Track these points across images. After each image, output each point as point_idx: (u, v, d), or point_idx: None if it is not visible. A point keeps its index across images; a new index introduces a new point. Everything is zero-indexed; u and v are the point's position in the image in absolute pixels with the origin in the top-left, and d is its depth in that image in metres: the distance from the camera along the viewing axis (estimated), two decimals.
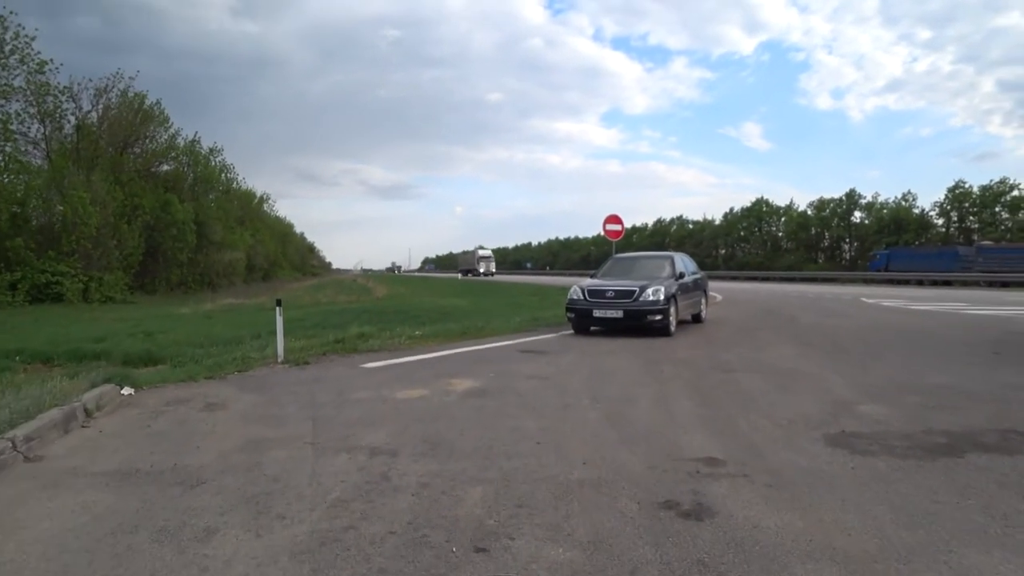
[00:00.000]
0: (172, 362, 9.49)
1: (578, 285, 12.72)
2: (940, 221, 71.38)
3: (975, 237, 64.11)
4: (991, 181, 65.52)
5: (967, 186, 67.71)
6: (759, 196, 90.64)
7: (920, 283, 48.20)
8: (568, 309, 12.45)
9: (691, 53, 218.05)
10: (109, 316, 26.35)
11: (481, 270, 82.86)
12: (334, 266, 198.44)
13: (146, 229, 41.98)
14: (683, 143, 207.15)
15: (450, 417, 5.61)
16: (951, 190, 68.86)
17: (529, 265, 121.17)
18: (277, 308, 9.31)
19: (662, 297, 11.85)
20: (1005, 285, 42.15)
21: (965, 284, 45.10)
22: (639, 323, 11.86)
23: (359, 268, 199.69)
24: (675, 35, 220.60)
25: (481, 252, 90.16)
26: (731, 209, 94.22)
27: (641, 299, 11.78)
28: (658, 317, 11.74)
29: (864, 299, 24.65)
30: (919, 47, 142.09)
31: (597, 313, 11.95)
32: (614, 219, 24.10)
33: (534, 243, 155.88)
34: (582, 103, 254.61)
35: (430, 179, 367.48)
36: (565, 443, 4.77)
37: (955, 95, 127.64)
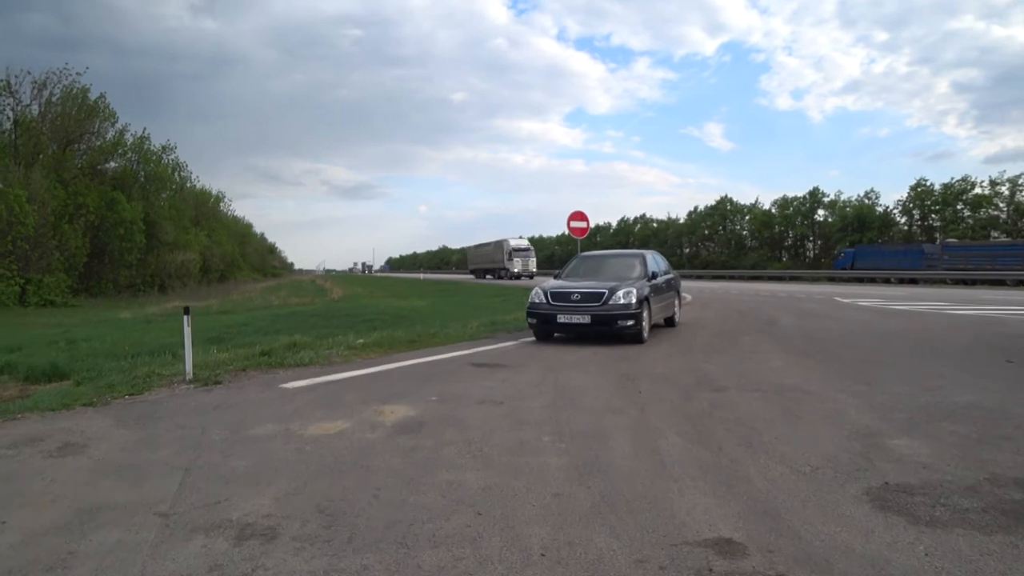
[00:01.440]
0: (76, 378, 8.12)
1: (540, 287, 11.41)
2: (903, 219, 71.74)
3: (937, 235, 64.52)
4: (952, 179, 65.98)
5: (929, 184, 68.10)
6: (723, 195, 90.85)
7: (887, 281, 48.00)
8: (529, 314, 11.12)
9: (654, 54, 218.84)
10: (40, 321, 24.48)
11: (516, 269, 57.30)
12: (296, 267, 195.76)
13: (91, 229, 39.83)
14: (646, 143, 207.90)
15: (367, 468, 4.21)
16: (913, 188, 69.24)
17: (469, 266, 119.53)
18: (185, 318, 7.83)
19: (634, 300, 10.60)
20: (971, 283, 42.00)
21: (931, 282, 44.87)
22: (608, 329, 10.59)
23: (321, 269, 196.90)
24: (638, 36, 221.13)
25: (515, 243, 60.97)
26: (695, 208, 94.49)
27: (611, 303, 10.50)
28: (630, 323, 10.48)
29: (838, 298, 23.77)
30: (876, 49, 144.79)
31: (562, 319, 10.63)
32: (579, 216, 22.91)
33: (471, 247, 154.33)
34: (546, 103, 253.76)
35: (394, 179, 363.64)
36: (516, 514, 3.41)
37: (911, 96, 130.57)
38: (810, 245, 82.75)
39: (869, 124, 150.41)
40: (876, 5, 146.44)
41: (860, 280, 49.83)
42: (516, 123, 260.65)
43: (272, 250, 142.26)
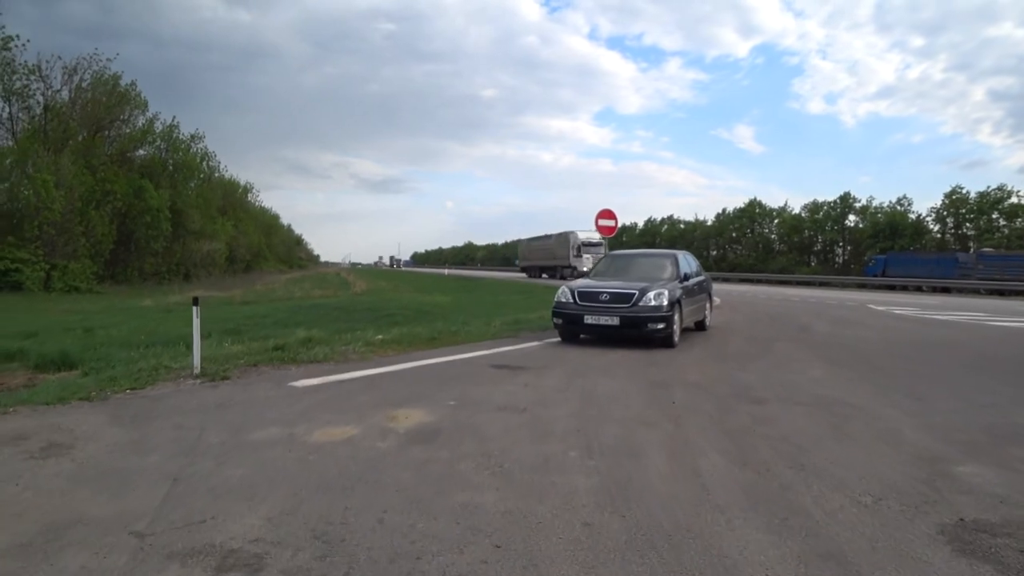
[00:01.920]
0: (84, 368, 7.86)
1: (567, 286, 10.94)
2: (936, 227, 70.20)
3: (971, 244, 63.00)
4: (988, 187, 64.39)
5: (964, 192, 66.53)
6: (752, 197, 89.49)
7: (919, 289, 46.85)
8: (555, 314, 10.65)
9: (685, 54, 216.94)
10: (62, 307, 24.48)
11: (585, 268, 41.36)
12: (322, 259, 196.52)
13: (118, 216, 40.00)
14: (675, 144, 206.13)
15: (373, 483, 3.78)
16: (948, 195, 67.67)
17: (517, 262, 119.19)
18: (194, 309, 7.47)
19: (665, 302, 10.10)
20: (1003, 293, 40.86)
21: (964, 292, 43.71)
22: (638, 332, 10.10)
23: (347, 262, 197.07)
24: (670, 36, 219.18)
25: (585, 236, 50.06)
26: (723, 210, 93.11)
27: (641, 304, 10.00)
28: (660, 326, 9.99)
29: (871, 306, 23.02)
30: (911, 54, 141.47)
31: (589, 320, 10.15)
32: (607, 214, 22.39)
33: (524, 240, 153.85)
34: (575, 101, 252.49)
35: (421, 174, 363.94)
36: (541, 548, 2.96)
37: (946, 103, 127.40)
38: (839, 251, 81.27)
39: (902, 130, 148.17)
40: (914, 10, 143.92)
41: (892, 288, 48.66)
42: (545, 121, 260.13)
43: (298, 242, 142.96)
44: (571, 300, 10.45)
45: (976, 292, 43.25)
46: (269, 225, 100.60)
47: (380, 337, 10.40)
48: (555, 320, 10.67)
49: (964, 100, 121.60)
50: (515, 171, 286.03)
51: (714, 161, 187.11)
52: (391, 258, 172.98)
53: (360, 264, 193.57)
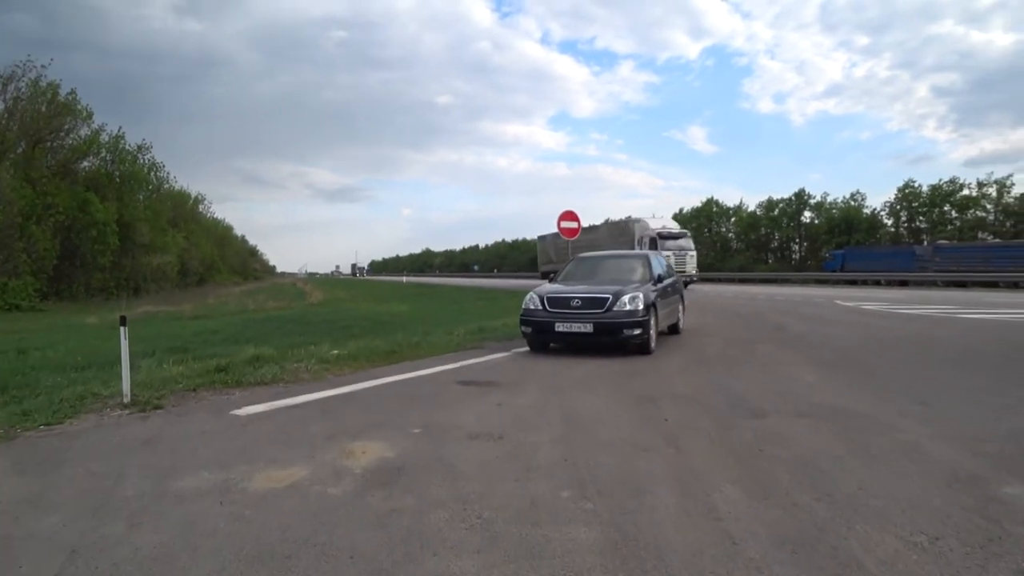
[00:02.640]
0: (5, 397, 6.91)
1: (536, 292, 10.23)
2: (890, 221, 71.38)
3: (924, 237, 64.13)
4: (940, 181, 65.72)
5: (916, 186, 67.80)
6: (709, 196, 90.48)
7: (877, 283, 47.34)
8: (523, 322, 9.96)
9: (638, 57, 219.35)
10: None
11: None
12: (278, 270, 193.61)
13: (61, 230, 38.26)
14: (630, 146, 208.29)
15: (324, 547, 3.02)
16: (901, 190, 68.92)
17: (476, 268, 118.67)
18: (121, 330, 6.63)
19: (640, 306, 9.49)
20: (962, 285, 41.38)
21: (921, 284, 44.24)
22: (612, 339, 9.47)
23: (303, 272, 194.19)
24: (622, 39, 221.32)
25: (658, 225, 38.77)
26: (680, 209, 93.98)
27: (615, 309, 9.37)
28: (636, 331, 9.37)
29: (839, 302, 22.83)
30: (857, 53, 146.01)
31: (560, 327, 9.48)
32: (569, 215, 21.81)
33: (481, 245, 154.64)
34: (530, 106, 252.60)
35: (377, 182, 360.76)
36: None
37: (892, 100, 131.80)
38: (796, 247, 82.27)
39: (850, 127, 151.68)
40: (858, 10, 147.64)
41: (852, 282, 49.10)
42: (501, 126, 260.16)
43: (253, 253, 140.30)
44: (540, 307, 9.77)
45: (934, 284, 43.79)
46: (222, 237, 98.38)
47: (335, 352, 9.61)
48: (523, 328, 9.99)
49: (909, 97, 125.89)
50: (471, 177, 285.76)
51: (668, 162, 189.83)
52: (352, 266, 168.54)
53: (317, 274, 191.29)
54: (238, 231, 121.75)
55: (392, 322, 20.42)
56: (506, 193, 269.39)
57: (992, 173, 71.01)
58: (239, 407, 6.02)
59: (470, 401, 6.33)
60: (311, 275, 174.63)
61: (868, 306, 20.39)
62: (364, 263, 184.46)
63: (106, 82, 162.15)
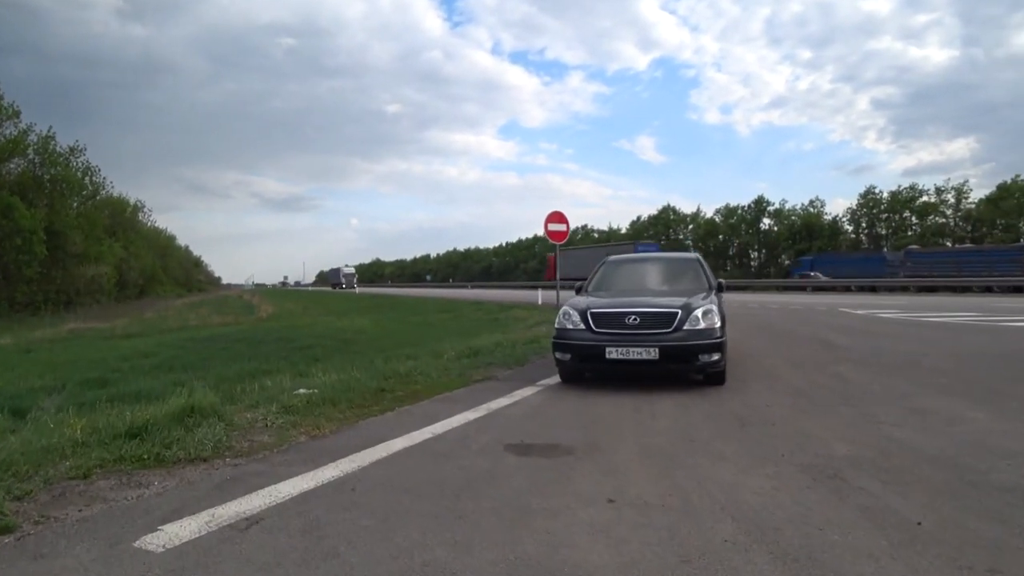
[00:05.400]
0: None
1: (571, 306, 7.72)
2: (851, 227, 71.27)
3: (884, 243, 63.97)
4: (899, 187, 65.94)
5: (877, 192, 67.81)
6: (665, 204, 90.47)
7: (847, 289, 46.25)
8: (559, 346, 7.50)
9: (587, 68, 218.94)
10: None
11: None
12: (224, 281, 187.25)
13: None
14: (579, 156, 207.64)
15: None
16: (863, 196, 69.03)
17: (429, 278, 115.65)
18: None
19: (717, 323, 7.14)
20: (932, 290, 40.43)
21: (891, 290, 43.25)
22: (684, 368, 7.13)
23: (250, 283, 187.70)
24: (572, 50, 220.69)
25: None
26: (638, 217, 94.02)
27: (686, 328, 6.97)
28: (715, 356, 7.00)
29: (846, 310, 20.95)
30: (801, 67, 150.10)
31: (613, 353, 7.00)
32: (558, 217, 19.50)
33: (433, 255, 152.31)
34: (480, 116, 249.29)
35: (325, 191, 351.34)
36: None
37: (834, 112, 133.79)
38: (755, 254, 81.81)
39: (794, 138, 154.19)
40: (801, 25, 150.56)
41: (822, 289, 47.89)
42: (450, 135, 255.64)
43: (198, 264, 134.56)
44: (582, 326, 7.29)
45: (905, 290, 42.82)
46: (165, 247, 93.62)
47: (303, 391, 7.00)
48: (558, 355, 7.50)
49: (850, 109, 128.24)
50: (421, 187, 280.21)
51: (617, 172, 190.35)
52: (341, 272, 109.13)
53: (265, 285, 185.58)
54: (182, 241, 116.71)
55: (357, 340, 17.74)
56: (456, 202, 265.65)
57: (949, 179, 71.35)
58: (152, 528, 3.33)
59: (552, 493, 3.76)
60: (258, 286, 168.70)
61: (884, 314, 18.46)
62: (312, 274, 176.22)
63: (45, 87, 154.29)
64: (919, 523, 3.25)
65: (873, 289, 44.64)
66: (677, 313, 7.04)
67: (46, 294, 42.14)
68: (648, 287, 8.67)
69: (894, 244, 60.24)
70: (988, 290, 38.74)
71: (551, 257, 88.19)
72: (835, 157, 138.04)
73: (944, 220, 62.97)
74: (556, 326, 7.60)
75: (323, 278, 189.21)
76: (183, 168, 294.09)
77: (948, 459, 4.38)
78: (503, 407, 6.34)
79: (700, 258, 9.34)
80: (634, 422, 5.59)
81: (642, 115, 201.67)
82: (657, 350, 6.87)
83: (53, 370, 12.82)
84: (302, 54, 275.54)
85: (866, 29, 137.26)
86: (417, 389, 7.37)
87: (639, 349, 6.92)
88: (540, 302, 27.80)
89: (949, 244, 57.22)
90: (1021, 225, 53.69)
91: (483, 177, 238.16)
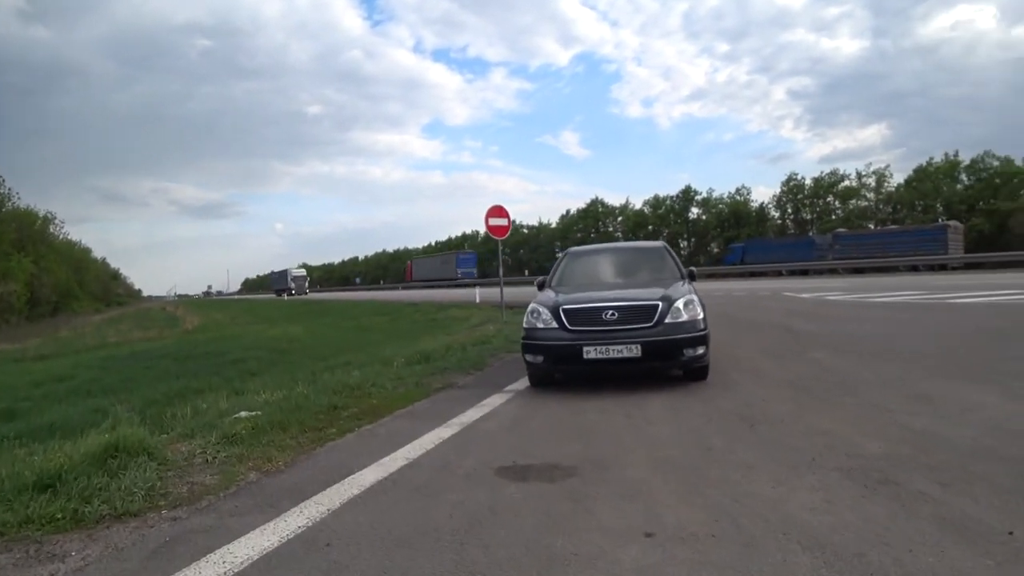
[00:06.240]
0: None
1: (541, 304, 7.05)
2: (776, 213, 72.81)
3: (809, 228, 65.61)
4: (822, 173, 67.69)
5: (800, 178, 69.44)
6: (594, 197, 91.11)
7: (779, 274, 47.16)
8: (530, 347, 6.84)
9: (509, 64, 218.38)
10: None
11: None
12: (145, 293, 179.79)
13: None
14: (504, 152, 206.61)
15: None
16: (785, 183, 70.55)
17: (358, 280, 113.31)
18: None
19: (700, 314, 6.63)
20: (860, 271, 41.56)
21: (821, 273, 44.31)
22: (667, 365, 6.59)
23: (173, 294, 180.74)
24: (494, 47, 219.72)
25: None
26: (567, 211, 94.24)
27: (668, 321, 6.43)
28: (700, 351, 6.49)
29: (790, 294, 21.02)
30: (719, 59, 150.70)
31: (591, 352, 6.39)
32: (498, 211, 18.68)
33: (360, 257, 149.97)
34: (403, 115, 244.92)
35: (247, 196, 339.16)
36: None
37: (752, 103, 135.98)
38: (684, 243, 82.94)
39: (714, 129, 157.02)
40: (718, 18, 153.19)
41: (753, 274, 48.72)
42: (373, 136, 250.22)
43: (116, 276, 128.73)
44: (555, 324, 6.65)
45: (835, 272, 43.91)
46: (80, 260, 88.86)
47: (244, 414, 6.16)
48: (530, 358, 6.84)
49: (767, 100, 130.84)
50: (344, 188, 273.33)
51: (542, 167, 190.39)
52: (290, 276, 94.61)
53: (188, 295, 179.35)
54: (98, 253, 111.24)
55: (292, 349, 16.72)
56: (381, 203, 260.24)
57: (871, 164, 73.65)
58: None
59: (575, 529, 3.06)
60: (181, 297, 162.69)
61: (831, 297, 18.52)
62: (237, 283, 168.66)
63: None
64: (1010, 532, 2.77)
65: (804, 272, 45.65)
66: (658, 305, 6.48)
67: None
68: (617, 279, 8.10)
69: (819, 228, 61.83)
70: (914, 269, 40.04)
71: (409, 263, 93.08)
72: (754, 146, 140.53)
73: (866, 203, 64.85)
74: (525, 326, 6.94)
75: (252, 285, 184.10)
76: (96, 177, 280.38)
77: (989, 450, 3.96)
78: (476, 420, 5.63)
79: (667, 246, 8.80)
80: (631, 430, 4.98)
81: (565, 110, 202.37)
82: (639, 346, 6.29)
83: None
84: (218, 55, 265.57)
85: (780, 22, 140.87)
86: (374, 404, 6.59)
87: (619, 347, 6.32)
88: (478, 300, 27.14)
89: (872, 226, 59.07)
90: (938, 205, 55.68)
91: (408, 177, 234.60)
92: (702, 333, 6.51)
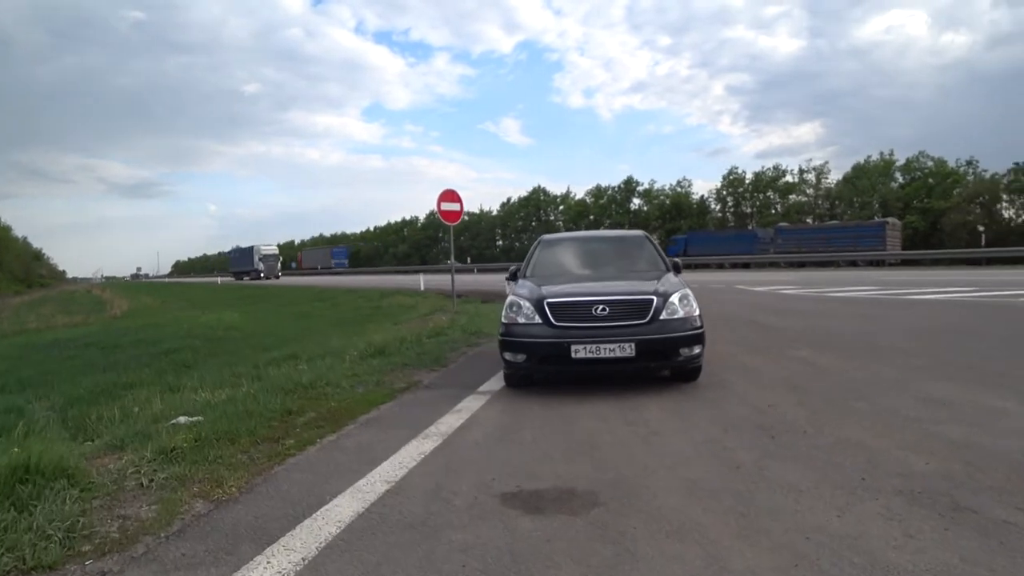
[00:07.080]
0: None
1: (519, 296, 6.39)
2: (717, 206, 73.71)
3: (749, 221, 66.55)
4: (763, 168, 68.76)
5: (740, 172, 70.40)
6: (536, 185, 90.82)
7: (721, 267, 47.59)
8: (510, 346, 6.17)
9: (452, 49, 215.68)
10: None
11: None
12: (69, 275, 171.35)
13: None
14: (445, 138, 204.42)
15: None
16: (726, 177, 71.41)
17: (294, 265, 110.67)
18: None
19: (696, 310, 6.13)
20: (801, 265, 42.16)
21: (762, 266, 44.84)
22: (662, 365, 6.03)
23: (99, 276, 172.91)
24: (437, 31, 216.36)
25: None
26: (508, 199, 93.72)
27: (663, 318, 5.89)
28: (696, 350, 5.97)
29: (743, 287, 20.91)
30: (660, 52, 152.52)
31: (580, 352, 5.76)
32: (450, 196, 17.81)
33: (297, 241, 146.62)
34: (343, 96, 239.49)
35: (179, 175, 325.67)
36: None
37: (691, 97, 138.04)
38: None
39: (654, 122, 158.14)
40: (660, 12, 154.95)
41: (694, 266, 49.02)
42: (312, 117, 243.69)
43: (38, 257, 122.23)
44: (538, 320, 6.01)
45: (776, 266, 44.46)
46: None
47: (184, 420, 5.37)
48: (510, 357, 6.16)
49: (707, 94, 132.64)
50: (281, 170, 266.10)
51: (483, 154, 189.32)
52: (258, 255, 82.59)
53: (116, 278, 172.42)
54: (19, 232, 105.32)
55: (230, 338, 15.60)
56: (319, 186, 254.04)
57: (811, 160, 75.23)
58: None
59: None
60: (109, 280, 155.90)
61: (786, 291, 18.40)
62: (167, 265, 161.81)
63: None
64: None
65: (746, 266, 46.15)
66: (652, 300, 5.92)
67: None
68: (598, 270, 7.50)
69: (759, 222, 62.71)
70: (853, 264, 40.79)
71: (299, 253, 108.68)
72: (693, 140, 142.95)
73: (805, 199, 66.02)
74: (503, 320, 6.27)
75: (184, 268, 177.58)
76: (16, 151, 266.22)
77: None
78: (457, 430, 4.95)
79: (648, 236, 8.24)
80: (639, 443, 4.39)
81: (507, 98, 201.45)
82: (633, 345, 5.70)
83: None
84: (150, 27, 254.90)
85: (721, 18, 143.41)
86: (333, 407, 5.86)
87: (611, 345, 5.72)
88: (423, 287, 26.38)
89: (810, 221, 60.22)
90: (874, 203, 57.01)
91: (347, 160, 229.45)
92: (699, 331, 5.99)
